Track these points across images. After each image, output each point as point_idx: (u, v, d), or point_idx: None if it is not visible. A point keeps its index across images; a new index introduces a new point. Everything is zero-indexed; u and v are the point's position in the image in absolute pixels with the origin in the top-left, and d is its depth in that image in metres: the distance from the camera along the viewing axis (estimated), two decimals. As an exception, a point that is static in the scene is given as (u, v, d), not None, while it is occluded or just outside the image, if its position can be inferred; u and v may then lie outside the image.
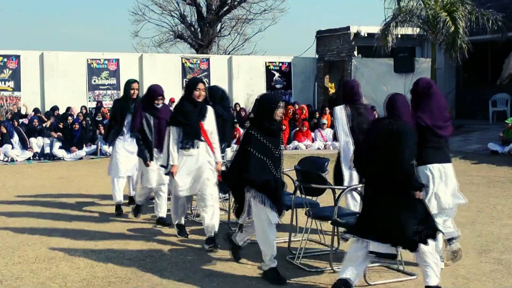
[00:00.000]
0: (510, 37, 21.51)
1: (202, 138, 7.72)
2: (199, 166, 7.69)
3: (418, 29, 22.86)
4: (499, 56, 23.63)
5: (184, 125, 7.67)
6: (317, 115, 21.86)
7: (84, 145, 18.29)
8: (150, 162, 8.93)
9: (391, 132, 5.71)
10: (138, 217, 9.63)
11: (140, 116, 8.96)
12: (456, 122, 22.44)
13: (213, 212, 7.64)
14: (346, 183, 7.90)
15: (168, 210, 9.10)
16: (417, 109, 6.76)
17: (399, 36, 22.35)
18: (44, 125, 19.05)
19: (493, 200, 11.18)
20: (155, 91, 9.05)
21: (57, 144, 18.24)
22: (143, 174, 9.20)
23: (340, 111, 8.18)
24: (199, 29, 33.91)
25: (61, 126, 18.82)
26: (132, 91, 9.69)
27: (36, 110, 20.99)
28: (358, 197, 7.88)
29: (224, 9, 33.60)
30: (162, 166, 8.05)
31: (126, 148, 9.89)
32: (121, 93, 22.85)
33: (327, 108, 21.77)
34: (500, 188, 12.61)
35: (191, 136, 7.66)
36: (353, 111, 8.10)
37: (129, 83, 9.78)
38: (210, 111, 7.94)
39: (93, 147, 18.53)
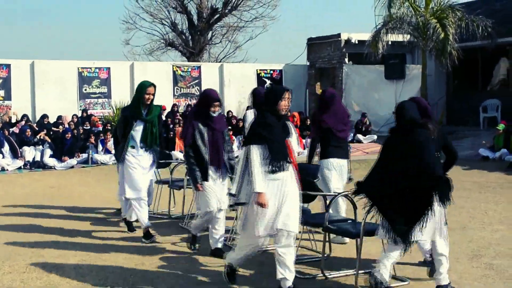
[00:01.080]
0: (500, 43, 21.62)
1: (289, 159, 6.20)
2: (284, 193, 6.10)
3: (408, 36, 22.97)
4: (489, 62, 23.76)
5: (270, 142, 6.05)
6: (309, 122, 21.87)
7: (75, 154, 18.21)
8: (201, 185, 7.50)
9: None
10: (195, 250, 8.03)
11: (192, 128, 7.54)
12: (447, 129, 22.52)
13: (291, 254, 6.07)
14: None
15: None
16: (322, 113, 8.49)
17: (390, 43, 22.48)
18: (38, 136, 18.91)
19: (484, 206, 11.21)
20: (211, 96, 7.62)
21: (48, 153, 18.17)
22: (198, 198, 7.79)
23: (251, 115, 8.93)
24: (190, 37, 33.94)
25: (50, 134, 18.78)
26: (147, 96, 8.30)
27: (24, 117, 20.91)
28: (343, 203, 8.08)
29: (215, 17, 33.64)
30: (231, 194, 6.41)
31: (140, 164, 8.57)
32: (112, 101, 23.09)
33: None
34: (491, 193, 12.64)
35: (280, 156, 6.08)
36: None
37: (144, 86, 8.36)
38: (292, 126, 7.17)
39: (84, 156, 18.46)
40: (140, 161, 8.55)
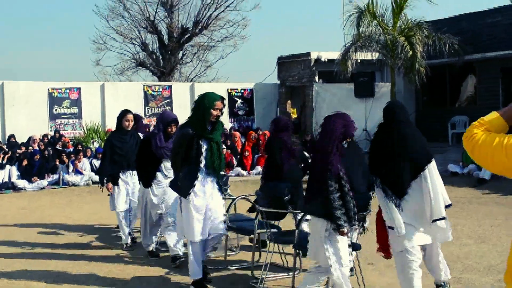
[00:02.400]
0: (467, 60, 22.00)
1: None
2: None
3: (377, 54, 23.26)
4: (457, 79, 24.13)
5: None
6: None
7: (45, 175, 18.09)
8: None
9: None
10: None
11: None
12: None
13: None
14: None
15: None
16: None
17: (359, 61, 22.73)
18: (5, 157, 18.74)
19: (454, 221, 11.32)
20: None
21: (15, 173, 18.01)
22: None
23: None
24: (161, 57, 34.00)
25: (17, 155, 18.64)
26: (215, 112, 6.91)
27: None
28: None
29: (186, 36, 33.75)
30: None
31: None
32: (83, 122, 23.01)
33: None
34: (460, 208, 12.81)
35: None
36: None
37: (213, 100, 6.96)
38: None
39: (55, 176, 18.34)
40: (206, 190, 6.92)
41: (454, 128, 22.95)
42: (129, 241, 9.45)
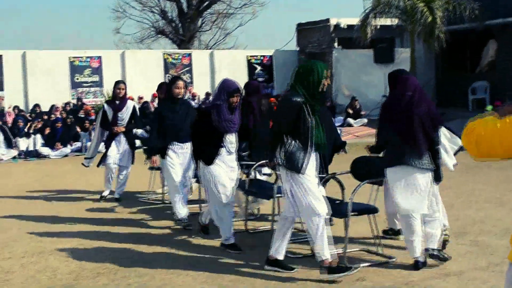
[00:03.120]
0: (488, 25, 21.85)
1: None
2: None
3: (396, 20, 23.17)
4: (478, 45, 23.98)
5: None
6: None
7: (68, 143, 18.35)
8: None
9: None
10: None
11: None
12: (437, 110, 22.70)
13: None
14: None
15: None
16: None
17: (378, 27, 22.64)
18: (33, 127, 19.00)
19: (472, 185, 11.46)
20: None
21: (39, 141, 18.31)
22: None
23: None
24: (180, 25, 34.05)
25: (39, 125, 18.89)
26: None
27: (16, 108, 21.06)
28: None
29: (205, 4, 33.77)
30: None
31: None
32: (105, 90, 23.21)
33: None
34: (478, 173, 12.87)
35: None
36: None
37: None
38: None
39: (78, 144, 18.59)
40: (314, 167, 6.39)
41: (475, 94, 22.88)
42: (185, 216, 8.51)
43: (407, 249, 6.51)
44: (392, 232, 7.59)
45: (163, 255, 7.28)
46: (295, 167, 6.00)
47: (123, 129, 10.75)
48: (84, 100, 23.16)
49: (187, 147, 8.31)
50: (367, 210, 6.77)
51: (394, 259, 6.72)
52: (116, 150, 10.74)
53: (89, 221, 9.26)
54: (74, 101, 22.84)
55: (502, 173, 12.98)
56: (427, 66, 24.64)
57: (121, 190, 10.87)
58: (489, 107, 18.33)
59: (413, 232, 6.30)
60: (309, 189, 6.00)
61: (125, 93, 10.92)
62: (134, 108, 10.91)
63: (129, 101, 10.98)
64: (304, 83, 6.14)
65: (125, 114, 10.74)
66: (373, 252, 7.01)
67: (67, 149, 18.23)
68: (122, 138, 10.80)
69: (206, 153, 7.22)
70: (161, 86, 10.74)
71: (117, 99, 10.79)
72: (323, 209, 5.98)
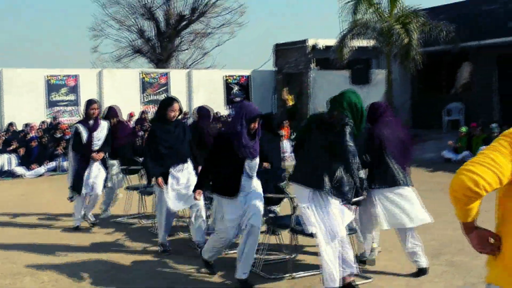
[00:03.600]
0: (463, 47, 22.12)
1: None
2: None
3: (373, 42, 23.38)
4: (453, 66, 24.26)
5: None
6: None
7: (44, 162, 18.20)
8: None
9: None
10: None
11: None
12: (412, 132, 22.87)
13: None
14: None
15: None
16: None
17: (355, 48, 22.84)
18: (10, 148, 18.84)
19: (448, 206, 11.51)
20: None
21: (14, 161, 18.14)
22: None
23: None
24: (158, 44, 34.08)
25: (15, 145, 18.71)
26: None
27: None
28: None
29: (183, 23, 33.84)
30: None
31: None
32: (81, 109, 23.02)
33: (285, 121, 22.03)
34: (454, 194, 12.98)
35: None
36: None
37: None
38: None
39: (53, 164, 18.46)
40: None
41: (449, 115, 23.11)
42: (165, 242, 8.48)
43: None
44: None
45: (141, 275, 7.23)
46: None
47: (102, 156, 10.25)
48: (61, 119, 23.02)
49: (187, 166, 8.22)
50: (351, 230, 6.80)
51: (371, 280, 6.74)
52: (93, 177, 10.11)
53: (65, 242, 9.19)
54: (49, 120, 22.68)
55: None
56: (403, 87, 24.86)
57: (90, 210, 10.49)
58: (464, 129, 18.51)
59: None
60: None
61: (99, 113, 10.48)
62: (108, 128, 10.44)
63: (102, 121, 10.47)
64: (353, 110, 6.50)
65: (100, 134, 10.22)
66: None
67: (42, 169, 18.08)
68: (97, 162, 10.22)
69: (227, 183, 6.75)
70: (109, 110, 11.37)
71: (91, 119, 10.20)
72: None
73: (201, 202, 7.89)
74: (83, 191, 10.03)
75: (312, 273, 7.01)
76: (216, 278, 7.05)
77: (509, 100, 22.82)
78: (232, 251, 7.89)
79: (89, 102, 10.38)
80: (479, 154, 3.02)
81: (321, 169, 6.07)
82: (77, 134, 10.18)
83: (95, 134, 10.13)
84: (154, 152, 8.06)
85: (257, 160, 6.83)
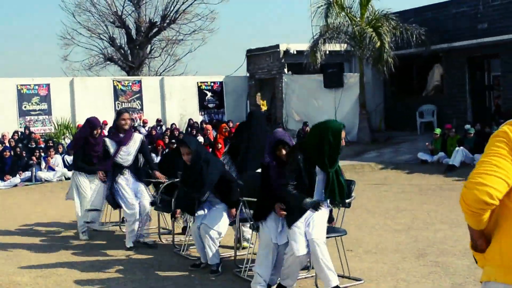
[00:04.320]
0: (434, 50, 22.34)
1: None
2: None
3: (345, 45, 23.51)
4: (425, 69, 24.49)
5: None
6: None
7: (18, 172, 17.97)
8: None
9: None
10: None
11: None
12: (386, 134, 23.13)
13: None
14: None
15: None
16: None
17: (328, 52, 22.93)
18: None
19: (426, 207, 11.64)
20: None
21: (-13, 172, 17.91)
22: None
23: None
24: (129, 51, 33.92)
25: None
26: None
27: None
28: None
29: (154, 30, 33.72)
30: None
31: None
32: (53, 118, 22.88)
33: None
34: (432, 195, 13.11)
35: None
36: None
37: None
38: None
39: (27, 173, 18.23)
40: None
41: (422, 117, 23.29)
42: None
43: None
44: None
45: (126, 283, 7.16)
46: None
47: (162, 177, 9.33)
48: (33, 129, 22.77)
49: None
50: (337, 232, 6.79)
51: (362, 281, 6.75)
52: (132, 194, 9.04)
53: (46, 251, 9.06)
54: (22, 130, 22.45)
55: (454, 194, 13.22)
56: (375, 90, 24.99)
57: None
58: (438, 130, 18.66)
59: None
60: None
61: (131, 124, 9.52)
62: (142, 142, 9.30)
63: (136, 134, 9.43)
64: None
65: (131, 148, 9.06)
66: (340, 275, 7.02)
67: (17, 179, 17.85)
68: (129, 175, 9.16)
69: (259, 207, 6.71)
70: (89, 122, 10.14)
71: (121, 132, 9.07)
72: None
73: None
74: (130, 213, 8.90)
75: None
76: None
77: (480, 101, 23.10)
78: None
79: (120, 112, 9.31)
80: (481, 163, 3.01)
81: None
82: (105, 150, 9.13)
83: (124, 148, 9.03)
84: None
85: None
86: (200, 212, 7.54)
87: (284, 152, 6.46)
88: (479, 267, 3.20)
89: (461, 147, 16.68)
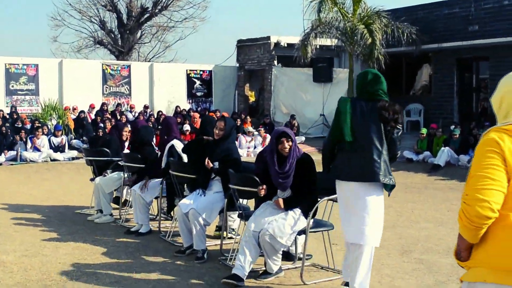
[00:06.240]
0: (423, 49, 22.47)
1: None
2: None
3: (336, 41, 23.56)
4: (413, 68, 24.62)
5: None
6: (238, 123, 22.09)
7: (3, 151, 17.90)
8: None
9: None
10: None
11: None
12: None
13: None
14: None
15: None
16: None
17: (318, 46, 22.98)
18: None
19: (411, 205, 11.74)
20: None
21: (-28, 149, 17.83)
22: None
23: None
24: (119, 36, 33.78)
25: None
26: None
27: None
28: None
29: (145, 16, 33.62)
30: None
31: None
32: (40, 98, 22.76)
33: (248, 117, 22.22)
34: (416, 193, 13.22)
35: None
36: None
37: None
38: None
39: (12, 153, 18.16)
40: None
41: (409, 116, 23.42)
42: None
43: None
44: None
45: (111, 267, 7.18)
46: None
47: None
48: (19, 109, 22.66)
49: None
50: (324, 226, 6.85)
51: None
52: None
53: (31, 231, 9.07)
54: (8, 109, 22.32)
55: (439, 193, 13.36)
56: (364, 86, 25.06)
57: None
58: (424, 130, 18.75)
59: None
60: None
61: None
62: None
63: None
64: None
65: None
66: (325, 267, 7.09)
67: (2, 158, 17.78)
68: None
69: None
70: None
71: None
72: None
73: None
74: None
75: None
76: (186, 273, 7.04)
77: (467, 102, 23.27)
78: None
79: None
80: (478, 177, 3.06)
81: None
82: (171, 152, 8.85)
83: None
84: None
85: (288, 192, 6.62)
86: (188, 199, 7.61)
87: (286, 144, 6.49)
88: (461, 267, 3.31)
89: (447, 147, 16.82)
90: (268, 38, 26.11)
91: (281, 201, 6.51)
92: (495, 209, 3.00)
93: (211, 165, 7.57)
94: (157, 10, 33.56)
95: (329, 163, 5.93)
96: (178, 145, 8.80)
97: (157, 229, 9.00)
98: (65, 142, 18.94)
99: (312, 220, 6.56)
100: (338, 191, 5.95)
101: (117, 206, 10.21)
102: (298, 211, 6.47)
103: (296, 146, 6.65)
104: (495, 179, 3.01)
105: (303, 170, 6.51)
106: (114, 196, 10.12)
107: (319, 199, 6.59)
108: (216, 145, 7.67)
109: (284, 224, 6.36)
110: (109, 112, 22.77)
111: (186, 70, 26.94)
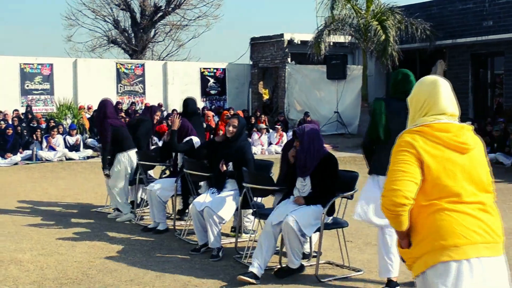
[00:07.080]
0: (438, 45, 22.36)
1: None
2: None
3: (349, 37, 23.51)
4: (428, 64, 24.50)
5: None
6: (253, 121, 22.13)
7: (19, 151, 18.01)
8: None
9: None
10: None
11: None
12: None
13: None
14: None
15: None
16: None
17: (332, 43, 22.94)
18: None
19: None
20: None
21: (-10, 150, 17.95)
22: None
23: None
24: (133, 35, 33.87)
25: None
26: None
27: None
28: None
29: (158, 15, 33.67)
30: None
31: None
32: (55, 98, 22.89)
33: (263, 115, 22.23)
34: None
35: None
36: None
37: None
38: None
39: (28, 152, 18.27)
40: None
41: (424, 112, 23.29)
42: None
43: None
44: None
45: (127, 265, 7.21)
46: None
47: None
48: (34, 108, 22.80)
49: None
50: (339, 224, 6.85)
51: (361, 272, 6.81)
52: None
53: (47, 230, 9.13)
54: (23, 109, 22.46)
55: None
56: (378, 83, 25.04)
57: None
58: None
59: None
60: None
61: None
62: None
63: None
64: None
65: None
66: (340, 265, 7.09)
67: (18, 157, 17.89)
68: None
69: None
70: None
71: None
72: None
73: None
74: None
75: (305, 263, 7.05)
76: (200, 271, 7.05)
77: (482, 98, 23.14)
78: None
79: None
80: (390, 173, 3.44)
81: None
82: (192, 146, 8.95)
83: None
84: None
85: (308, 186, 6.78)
86: (203, 196, 7.65)
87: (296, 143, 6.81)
88: (407, 268, 3.54)
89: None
90: (282, 35, 26.11)
91: (301, 198, 6.57)
92: (408, 196, 3.33)
93: (225, 168, 7.60)
94: (170, 9, 33.62)
95: (369, 160, 6.30)
96: (196, 141, 8.87)
97: (172, 227, 9.04)
98: (80, 141, 19.06)
99: (330, 218, 6.63)
100: (371, 185, 6.17)
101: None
102: (319, 206, 6.55)
103: (323, 146, 6.78)
104: (406, 171, 3.37)
105: (326, 169, 6.63)
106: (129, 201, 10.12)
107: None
108: (229, 144, 7.69)
109: (308, 213, 6.47)
110: (123, 111, 22.82)
111: (200, 69, 27.00)
